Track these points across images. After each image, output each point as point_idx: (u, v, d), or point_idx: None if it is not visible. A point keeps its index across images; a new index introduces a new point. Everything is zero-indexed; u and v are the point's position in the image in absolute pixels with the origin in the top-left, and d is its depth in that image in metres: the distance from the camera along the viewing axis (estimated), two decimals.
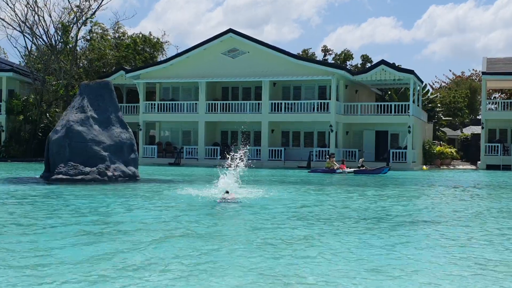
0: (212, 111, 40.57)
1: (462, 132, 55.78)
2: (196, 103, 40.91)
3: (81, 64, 50.60)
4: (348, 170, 30.65)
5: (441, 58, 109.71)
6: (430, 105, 51.44)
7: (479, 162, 42.12)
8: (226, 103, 40.54)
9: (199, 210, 11.98)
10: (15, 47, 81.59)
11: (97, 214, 11.15)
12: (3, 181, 19.88)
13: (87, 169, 19.30)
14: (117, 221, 10.18)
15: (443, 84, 69.62)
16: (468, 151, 49.84)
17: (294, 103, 39.36)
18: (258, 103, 39.75)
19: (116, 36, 54.92)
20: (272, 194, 15.63)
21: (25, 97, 44.68)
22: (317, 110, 38.61)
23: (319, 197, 16.08)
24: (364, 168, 31.16)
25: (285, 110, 39.15)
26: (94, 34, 52.48)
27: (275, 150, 39.31)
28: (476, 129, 52.32)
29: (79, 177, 18.95)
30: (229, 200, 12.75)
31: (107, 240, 8.13)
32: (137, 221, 10.23)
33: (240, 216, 11.18)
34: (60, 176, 18.95)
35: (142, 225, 9.67)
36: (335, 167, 30.65)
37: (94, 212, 11.43)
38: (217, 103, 40.60)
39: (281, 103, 39.32)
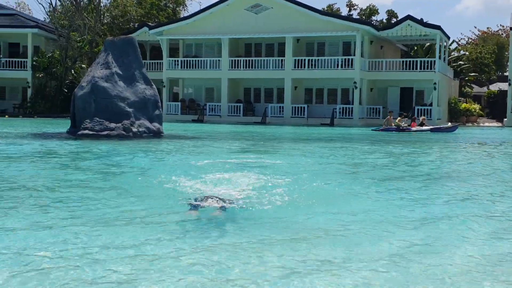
0: (235, 68, 40.46)
1: (489, 89, 54.87)
2: (219, 60, 40.82)
3: (105, 21, 50.57)
4: (425, 128, 29.28)
5: (474, 13, 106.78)
6: (457, 62, 50.55)
7: (505, 119, 41.55)
8: (249, 60, 40.37)
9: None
10: (40, 3, 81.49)
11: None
12: (33, 136, 20.28)
13: (113, 125, 19.52)
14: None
15: (470, 40, 68.20)
16: (494, 108, 49.13)
17: (318, 59, 39.02)
18: (281, 60, 39.50)
19: None
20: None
21: (50, 54, 44.96)
22: (341, 67, 38.25)
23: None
24: (426, 125, 30.00)
25: (308, 67, 38.87)
26: None
27: (298, 107, 39.24)
28: (503, 86, 51.37)
29: (105, 132, 19.21)
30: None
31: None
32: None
33: None
34: (86, 131, 19.22)
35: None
36: (404, 125, 29.14)
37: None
38: (240, 60, 40.45)
39: (304, 60, 39.03)
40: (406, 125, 29.45)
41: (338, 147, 18.52)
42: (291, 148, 18.23)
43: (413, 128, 28.93)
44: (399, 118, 30.04)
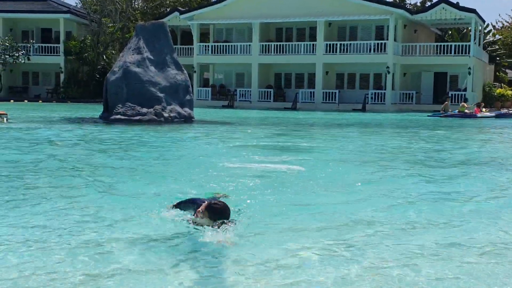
0: (265, 52, 40.17)
1: None
2: (249, 45, 40.56)
3: (136, 6, 50.68)
4: (489, 114, 29.13)
5: None
6: (492, 46, 49.36)
7: None
8: (279, 45, 40.03)
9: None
10: None
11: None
12: (68, 120, 20.50)
13: (144, 110, 19.58)
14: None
15: (505, 24, 66.46)
16: None
17: (350, 44, 38.48)
18: (313, 44, 39.06)
19: None
20: None
21: (82, 39, 45.30)
22: (374, 51, 37.66)
23: None
24: (485, 111, 29.63)
25: (340, 51, 38.37)
26: None
27: (329, 92, 38.84)
28: None
29: (137, 117, 19.27)
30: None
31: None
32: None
33: None
34: (119, 116, 19.32)
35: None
36: (468, 111, 28.75)
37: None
38: (271, 45, 40.13)
39: (336, 44, 38.52)
40: (471, 111, 29.04)
41: (407, 133, 17.79)
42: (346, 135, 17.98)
43: (478, 114, 28.52)
44: (462, 103, 29.64)
